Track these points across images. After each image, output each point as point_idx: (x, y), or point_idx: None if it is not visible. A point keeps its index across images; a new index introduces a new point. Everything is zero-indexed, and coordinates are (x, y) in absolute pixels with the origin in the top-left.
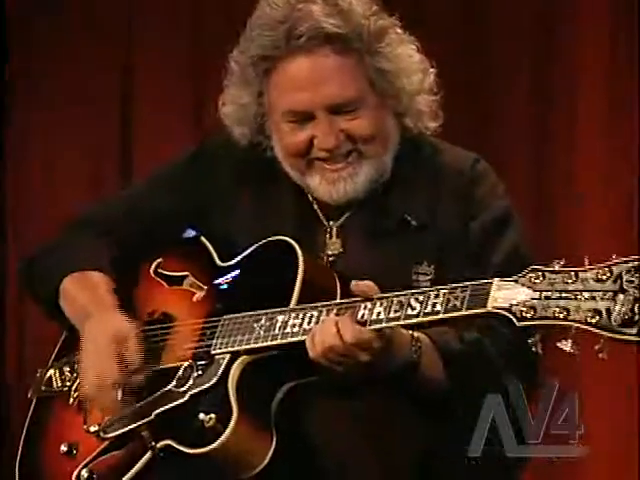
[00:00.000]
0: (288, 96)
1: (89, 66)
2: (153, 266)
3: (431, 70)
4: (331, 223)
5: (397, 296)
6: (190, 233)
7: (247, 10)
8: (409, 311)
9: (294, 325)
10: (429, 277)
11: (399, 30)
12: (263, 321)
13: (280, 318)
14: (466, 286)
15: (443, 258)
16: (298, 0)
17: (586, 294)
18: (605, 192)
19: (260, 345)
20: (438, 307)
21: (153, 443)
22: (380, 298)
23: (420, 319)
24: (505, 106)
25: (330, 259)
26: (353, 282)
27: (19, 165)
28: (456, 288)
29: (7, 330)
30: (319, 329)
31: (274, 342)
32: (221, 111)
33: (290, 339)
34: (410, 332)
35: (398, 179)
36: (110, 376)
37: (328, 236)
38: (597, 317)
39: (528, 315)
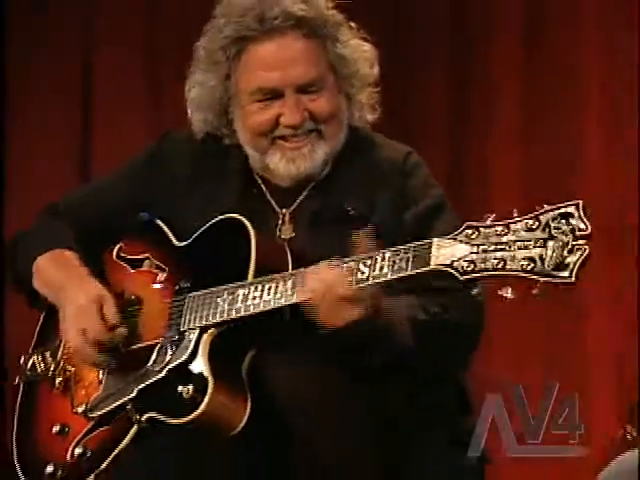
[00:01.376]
0: (259, 75)
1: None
2: (115, 251)
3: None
4: (283, 210)
5: (346, 262)
6: (145, 217)
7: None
8: (359, 275)
9: (254, 297)
10: None
11: (352, 24)
12: (225, 296)
13: (241, 292)
14: (408, 248)
15: (380, 244)
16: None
17: (519, 244)
18: (520, 189)
19: (225, 319)
20: (385, 269)
21: (138, 417)
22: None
23: (370, 282)
24: (422, 100)
25: (284, 242)
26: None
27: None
28: (399, 250)
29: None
30: (318, 271)
31: (238, 315)
32: (187, 96)
33: (253, 311)
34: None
35: (340, 172)
36: (93, 331)
37: (281, 222)
38: (532, 264)
39: (469, 269)
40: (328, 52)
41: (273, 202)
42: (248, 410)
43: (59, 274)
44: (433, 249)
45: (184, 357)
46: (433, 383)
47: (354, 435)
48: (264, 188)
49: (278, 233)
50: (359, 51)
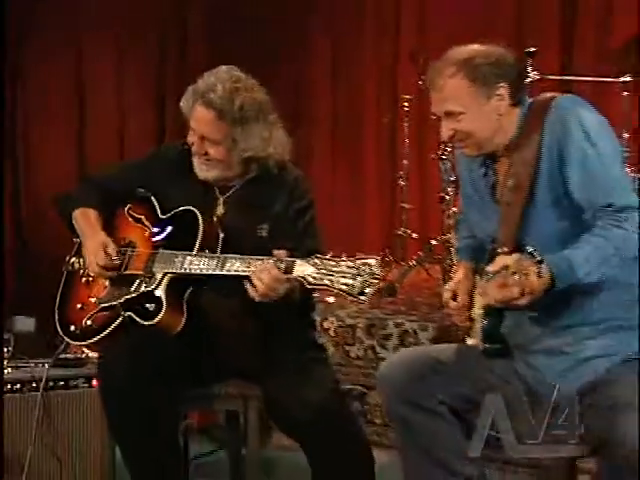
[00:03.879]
0: (191, 119)
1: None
2: (126, 209)
3: (278, 126)
4: (221, 196)
5: (251, 258)
6: (144, 192)
7: None
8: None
9: (197, 264)
10: (266, 230)
11: (260, 113)
12: (180, 258)
13: (188, 258)
14: (282, 260)
15: (274, 222)
16: (217, 78)
17: (341, 274)
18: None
19: (177, 272)
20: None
21: (123, 313)
22: (241, 258)
23: None
24: None
25: (218, 216)
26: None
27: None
28: (277, 260)
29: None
30: (258, 273)
31: (185, 271)
32: (182, 104)
33: (193, 271)
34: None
35: (259, 179)
36: (101, 261)
37: (218, 203)
38: (346, 287)
39: (313, 281)
40: (233, 131)
41: (217, 191)
42: (183, 321)
43: (84, 226)
44: (296, 265)
45: (152, 287)
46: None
47: (247, 330)
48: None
49: (215, 210)
50: (259, 138)
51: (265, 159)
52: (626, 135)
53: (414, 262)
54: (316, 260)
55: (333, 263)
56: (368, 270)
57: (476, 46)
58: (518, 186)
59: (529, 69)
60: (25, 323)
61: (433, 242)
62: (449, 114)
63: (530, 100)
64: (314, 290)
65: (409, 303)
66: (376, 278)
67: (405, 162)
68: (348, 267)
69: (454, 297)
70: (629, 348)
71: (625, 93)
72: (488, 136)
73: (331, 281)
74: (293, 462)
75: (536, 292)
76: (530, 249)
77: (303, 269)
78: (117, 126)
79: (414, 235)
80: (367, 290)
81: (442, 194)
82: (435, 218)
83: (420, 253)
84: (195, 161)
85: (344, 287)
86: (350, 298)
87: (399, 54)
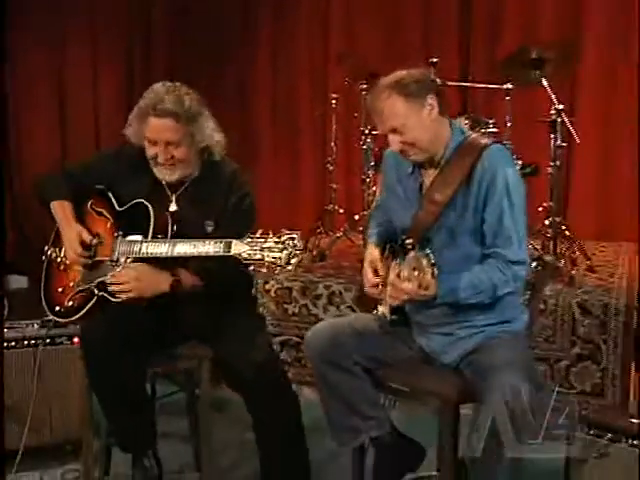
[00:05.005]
0: (150, 132)
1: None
2: (89, 204)
3: (217, 129)
4: (172, 194)
5: (197, 241)
6: (102, 188)
7: None
8: (200, 248)
9: (153, 248)
10: (211, 226)
11: (202, 109)
12: (138, 244)
13: (145, 244)
14: (221, 240)
15: (218, 217)
16: (159, 92)
17: (269, 249)
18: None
19: (137, 255)
20: (210, 248)
21: (97, 292)
22: (188, 241)
23: (204, 254)
24: None
25: (170, 212)
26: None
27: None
28: (217, 241)
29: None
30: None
31: (143, 254)
32: (127, 131)
33: (150, 254)
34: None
35: (203, 177)
36: (77, 249)
37: (170, 201)
38: (275, 259)
39: (247, 257)
40: (188, 129)
41: (167, 190)
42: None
43: (61, 218)
44: (232, 244)
45: (118, 270)
46: (239, 290)
47: (200, 302)
48: (164, 181)
49: (168, 207)
50: (206, 127)
51: (212, 148)
52: (509, 124)
53: (341, 233)
54: (249, 239)
55: (262, 240)
56: (292, 243)
57: (401, 71)
58: (439, 197)
59: (432, 76)
60: (19, 281)
61: (356, 217)
62: (394, 130)
63: (463, 130)
64: (249, 265)
65: (337, 267)
66: (299, 249)
67: (333, 147)
68: (275, 243)
69: (375, 272)
70: (500, 328)
71: (507, 98)
72: (429, 140)
73: (262, 256)
74: (240, 401)
75: (430, 290)
76: (428, 251)
77: (239, 248)
78: (94, 119)
79: (341, 210)
80: (292, 261)
81: (363, 177)
82: (358, 196)
83: (346, 225)
84: (158, 168)
85: (273, 260)
86: (279, 269)
87: (328, 55)
